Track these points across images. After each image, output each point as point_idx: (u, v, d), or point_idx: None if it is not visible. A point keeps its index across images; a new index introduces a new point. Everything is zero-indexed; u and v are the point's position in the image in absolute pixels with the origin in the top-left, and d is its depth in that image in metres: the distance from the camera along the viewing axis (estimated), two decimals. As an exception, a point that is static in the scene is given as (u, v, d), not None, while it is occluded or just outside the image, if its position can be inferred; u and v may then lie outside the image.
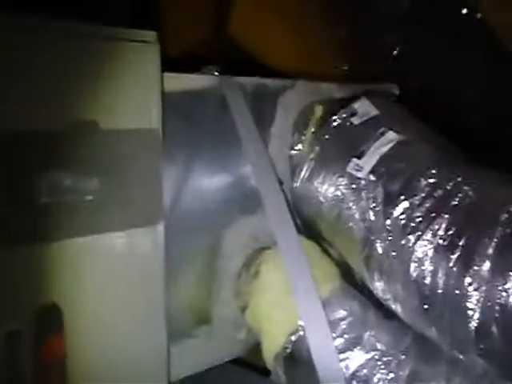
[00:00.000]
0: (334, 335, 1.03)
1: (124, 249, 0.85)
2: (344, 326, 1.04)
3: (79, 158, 0.79)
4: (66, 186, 0.77)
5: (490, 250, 0.85)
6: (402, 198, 0.96)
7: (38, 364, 0.75)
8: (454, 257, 0.88)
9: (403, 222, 0.95)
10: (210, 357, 1.10)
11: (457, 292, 0.87)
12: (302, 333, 1.04)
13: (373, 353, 1.02)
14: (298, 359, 1.05)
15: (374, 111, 1.09)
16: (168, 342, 0.93)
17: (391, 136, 1.03)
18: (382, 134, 1.05)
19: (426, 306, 0.92)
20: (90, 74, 0.81)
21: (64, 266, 0.79)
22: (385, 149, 1.02)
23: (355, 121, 1.09)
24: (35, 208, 0.74)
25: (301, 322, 1.04)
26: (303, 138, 1.13)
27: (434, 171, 0.96)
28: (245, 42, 1.26)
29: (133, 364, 0.87)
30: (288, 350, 1.06)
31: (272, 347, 1.07)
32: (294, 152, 1.14)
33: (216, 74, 1.06)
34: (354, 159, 1.03)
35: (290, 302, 1.03)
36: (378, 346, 1.02)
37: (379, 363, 1.01)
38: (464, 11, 1.01)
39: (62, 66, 0.78)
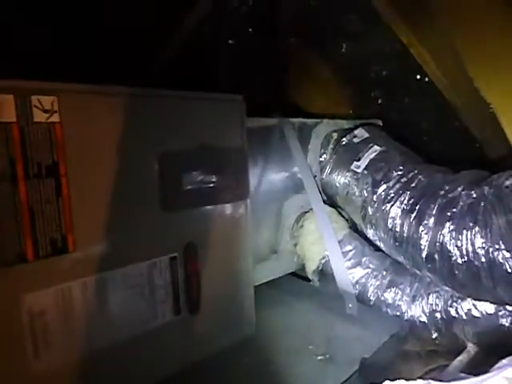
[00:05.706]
0: (345, 259, 1.05)
1: (229, 212, 0.85)
2: (351, 255, 1.06)
3: (206, 165, 0.79)
4: (199, 179, 0.78)
5: (434, 211, 0.86)
6: (382, 183, 0.97)
7: (185, 274, 0.77)
8: (412, 215, 0.89)
9: (383, 196, 0.96)
10: (277, 271, 1.12)
11: (415, 236, 0.88)
12: (327, 258, 1.06)
13: (368, 269, 1.04)
14: (325, 273, 1.08)
15: (366, 135, 1.08)
16: (253, 262, 0.94)
17: (376, 148, 1.03)
18: (371, 147, 1.04)
19: (397, 244, 0.93)
20: (210, 121, 0.81)
21: (196, 222, 0.79)
22: (372, 155, 1.02)
23: (355, 141, 1.08)
24: (183, 191, 0.76)
25: (326, 253, 1.06)
26: (326, 151, 1.12)
27: (401, 167, 0.97)
28: (295, 100, 1.26)
29: (235, 274, 0.88)
30: (320, 268, 1.08)
31: (311, 266, 1.10)
32: (321, 159, 1.13)
33: (278, 117, 1.05)
34: (355, 162, 1.04)
35: (321, 241, 1.06)
36: (371, 265, 1.05)
37: (371, 275, 1.03)
38: (418, 77, 0.97)
39: (185, 119, 0.77)
